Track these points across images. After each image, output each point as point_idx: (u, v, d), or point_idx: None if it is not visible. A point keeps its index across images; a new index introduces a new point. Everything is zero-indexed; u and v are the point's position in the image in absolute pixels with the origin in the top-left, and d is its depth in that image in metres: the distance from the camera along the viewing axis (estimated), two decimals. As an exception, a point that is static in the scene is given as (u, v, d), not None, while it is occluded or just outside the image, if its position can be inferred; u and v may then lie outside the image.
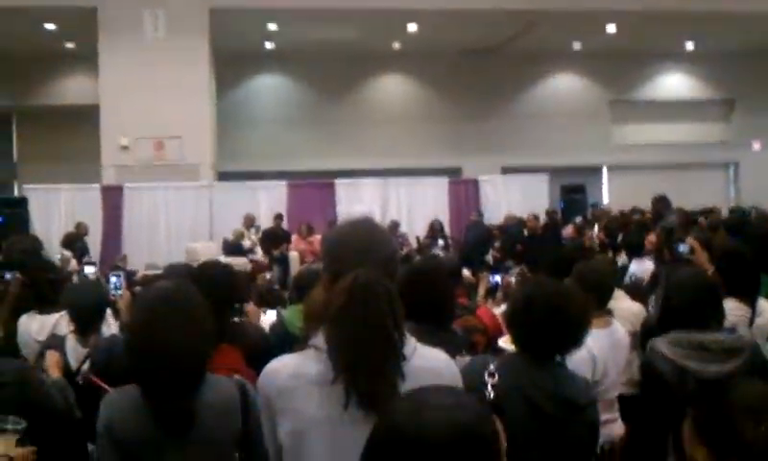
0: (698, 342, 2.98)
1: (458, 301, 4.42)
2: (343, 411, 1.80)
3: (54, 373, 3.23)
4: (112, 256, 12.25)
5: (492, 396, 2.45)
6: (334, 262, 1.97)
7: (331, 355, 1.83)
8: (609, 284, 3.99)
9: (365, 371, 1.79)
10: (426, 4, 14.78)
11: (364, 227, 2.03)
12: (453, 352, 3.15)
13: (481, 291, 6.02)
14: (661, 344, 3.05)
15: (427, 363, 1.90)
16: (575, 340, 2.60)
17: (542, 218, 12.82)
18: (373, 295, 1.82)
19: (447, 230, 13.79)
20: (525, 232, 12.21)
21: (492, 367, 2.57)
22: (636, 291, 5.33)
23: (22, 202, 13.11)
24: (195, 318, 2.31)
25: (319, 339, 1.87)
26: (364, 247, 1.95)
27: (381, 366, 1.80)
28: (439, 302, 3.22)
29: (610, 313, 3.88)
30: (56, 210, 13.28)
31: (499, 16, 15.76)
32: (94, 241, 12.93)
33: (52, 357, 3.39)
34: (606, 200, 19.49)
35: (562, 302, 2.61)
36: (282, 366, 1.92)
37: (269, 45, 17.91)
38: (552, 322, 2.54)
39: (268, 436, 1.93)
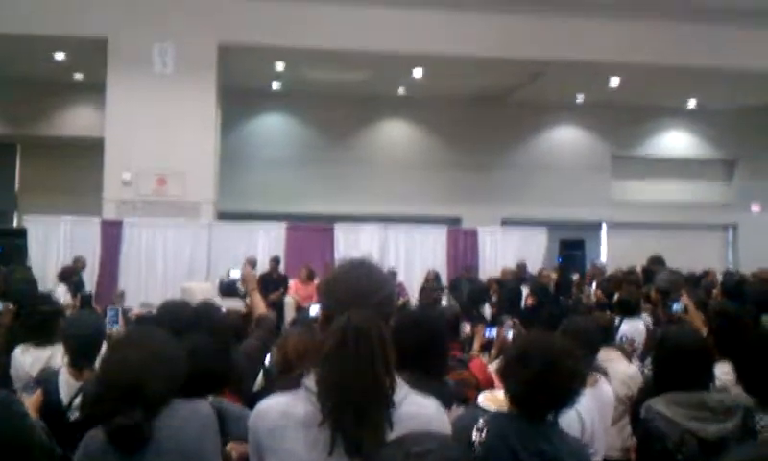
0: (698, 401, 2.97)
1: (452, 353, 4.41)
2: (328, 456, 1.79)
3: (32, 415, 3.20)
4: (108, 291, 12.21)
5: (478, 452, 2.43)
6: (329, 302, 1.97)
7: (320, 397, 1.83)
8: (595, 341, 3.96)
9: (351, 416, 1.79)
10: (432, 49, 14.91)
11: (361, 267, 2.03)
12: (445, 404, 3.13)
13: (476, 345, 6.00)
14: (659, 404, 3.03)
15: (417, 410, 1.90)
16: (568, 397, 2.57)
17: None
18: (366, 338, 1.82)
19: (445, 279, 13.75)
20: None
21: (480, 422, 2.55)
22: (627, 353, 5.28)
23: (21, 232, 13.08)
24: (155, 356, 2.42)
25: (310, 380, 1.87)
26: (360, 288, 1.95)
27: (368, 412, 1.80)
28: (432, 352, 3.20)
29: (601, 371, 3.86)
30: (54, 242, 13.21)
31: (504, 66, 15.92)
32: (91, 275, 12.91)
33: (30, 400, 3.36)
34: (604, 257, 19.51)
35: (557, 357, 2.58)
36: (273, 405, 1.93)
37: (276, 85, 18.10)
38: (547, 377, 2.51)
39: None
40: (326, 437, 1.80)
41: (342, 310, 1.87)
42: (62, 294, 10.07)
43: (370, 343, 1.82)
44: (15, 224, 16.99)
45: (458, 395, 3.46)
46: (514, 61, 15.60)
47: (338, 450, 1.79)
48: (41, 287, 9.35)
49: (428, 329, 3.27)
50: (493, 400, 2.91)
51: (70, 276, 11.09)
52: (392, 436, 1.74)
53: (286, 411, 1.88)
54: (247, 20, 14.17)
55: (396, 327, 3.25)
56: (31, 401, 3.37)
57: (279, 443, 1.86)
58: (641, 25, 14.97)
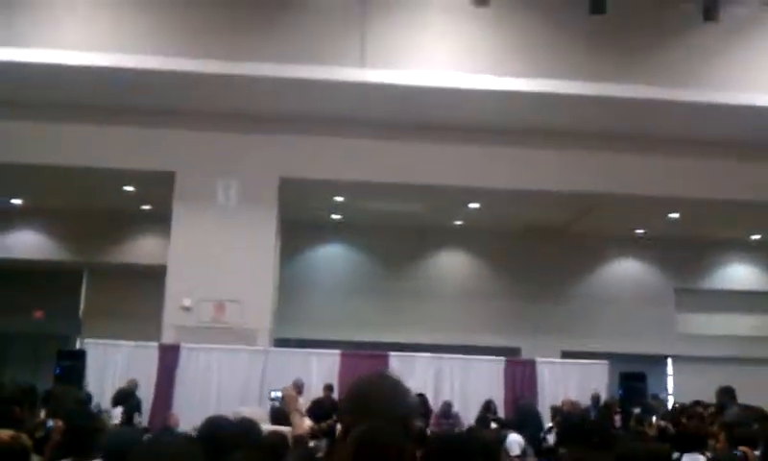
0: None
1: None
2: None
3: None
4: (162, 414, 12.23)
5: None
6: (347, 414, 1.93)
7: None
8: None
9: None
10: (489, 183, 15.05)
11: (382, 381, 2.00)
12: None
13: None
14: None
15: None
16: None
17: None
18: (382, 451, 1.76)
19: (502, 412, 13.40)
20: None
21: None
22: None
23: (80, 354, 13.31)
24: None
25: None
26: (381, 401, 1.91)
27: None
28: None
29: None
30: (111, 366, 13.38)
31: (561, 199, 15.97)
32: (146, 399, 12.97)
33: None
34: (671, 391, 18.84)
35: None
36: None
37: (335, 216, 18.46)
38: None
39: None
40: None
41: (361, 422, 1.83)
42: (118, 416, 10.17)
43: (386, 457, 1.77)
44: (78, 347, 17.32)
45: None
46: (570, 195, 15.66)
47: None
48: (96, 408, 9.48)
49: (460, 454, 3.18)
50: None
51: (125, 400, 11.17)
52: None
53: None
54: (307, 156, 14.56)
55: (428, 453, 3.18)
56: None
57: None
58: (699, 160, 14.83)
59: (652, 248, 19.57)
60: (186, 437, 2.59)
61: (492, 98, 13.40)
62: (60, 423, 5.29)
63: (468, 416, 13.01)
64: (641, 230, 19.09)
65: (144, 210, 17.78)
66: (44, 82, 12.93)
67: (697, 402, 11.18)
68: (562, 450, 9.02)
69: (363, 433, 1.79)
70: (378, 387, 1.97)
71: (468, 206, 17.11)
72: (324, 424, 11.73)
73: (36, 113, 13.80)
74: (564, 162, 14.81)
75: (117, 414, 10.59)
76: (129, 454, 3.34)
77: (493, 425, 11.86)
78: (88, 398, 10.48)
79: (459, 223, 18.79)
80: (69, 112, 13.94)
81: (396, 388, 2.00)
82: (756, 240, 19.60)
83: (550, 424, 11.92)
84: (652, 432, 8.93)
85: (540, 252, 18.99)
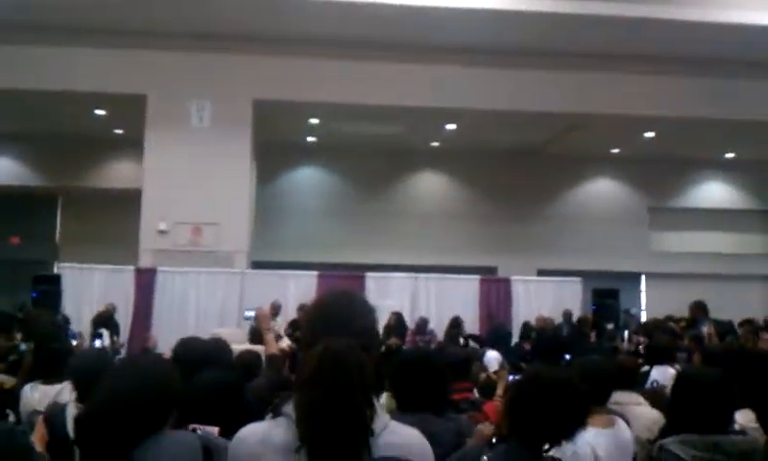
0: (712, 443, 2.88)
1: (464, 396, 4.36)
2: None
3: (37, 446, 3.20)
4: (141, 337, 12.31)
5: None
6: (311, 331, 1.95)
7: (298, 423, 1.79)
8: (608, 380, 3.89)
9: (328, 441, 1.75)
10: (466, 105, 14.99)
11: (342, 297, 2.02)
12: (455, 441, 3.10)
13: (499, 390, 5.89)
14: (672, 444, 2.94)
15: (397, 440, 1.86)
16: (570, 429, 2.55)
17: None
18: (343, 364, 1.79)
19: (478, 328, 13.59)
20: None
21: (485, 458, 2.52)
22: (657, 398, 5.15)
23: (56, 279, 13.28)
24: (141, 384, 2.38)
25: (289, 406, 1.84)
26: (341, 317, 1.94)
27: (345, 438, 1.76)
28: (431, 391, 3.17)
29: (618, 414, 3.76)
30: (88, 290, 13.41)
31: (538, 119, 15.94)
32: (125, 323, 13.04)
33: (38, 431, 3.36)
34: (644, 307, 19.19)
35: (555, 388, 2.58)
36: (251, 433, 1.90)
37: (310, 138, 18.31)
38: (548, 407, 2.51)
39: None
40: None
41: (322, 339, 1.86)
42: (107, 338, 10.37)
43: (347, 370, 1.79)
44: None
45: (468, 426, 3.44)
46: (548, 115, 15.62)
47: None
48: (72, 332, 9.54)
49: (426, 369, 3.26)
50: None
51: (104, 323, 11.23)
52: None
53: (264, 438, 1.85)
54: (281, 77, 14.38)
55: (396, 369, 3.24)
56: (37, 435, 3.38)
57: None
58: (675, 79, 14.84)
59: (627, 167, 19.69)
60: (158, 356, 2.62)
61: (468, 17, 13.22)
62: (32, 345, 5.30)
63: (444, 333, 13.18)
64: (617, 150, 19.14)
65: (117, 134, 17.54)
66: (9, 2, 12.55)
67: (669, 317, 11.41)
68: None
69: (323, 349, 1.81)
70: (339, 304, 2.00)
71: (444, 128, 17.03)
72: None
73: (2, 36, 13.44)
74: (541, 82, 14.73)
75: (106, 335, 10.76)
76: (100, 376, 3.37)
77: (461, 341, 12.00)
78: (65, 321, 10.52)
79: (436, 144, 18.73)
80: (37, 34, 13.61)
81: (357, 305, 2.03)
82: (729, 158, 19.75)
83: (517, 340, 12.08)
84: (628, 347, 9.12)
85: (517, 172, 19.05)
